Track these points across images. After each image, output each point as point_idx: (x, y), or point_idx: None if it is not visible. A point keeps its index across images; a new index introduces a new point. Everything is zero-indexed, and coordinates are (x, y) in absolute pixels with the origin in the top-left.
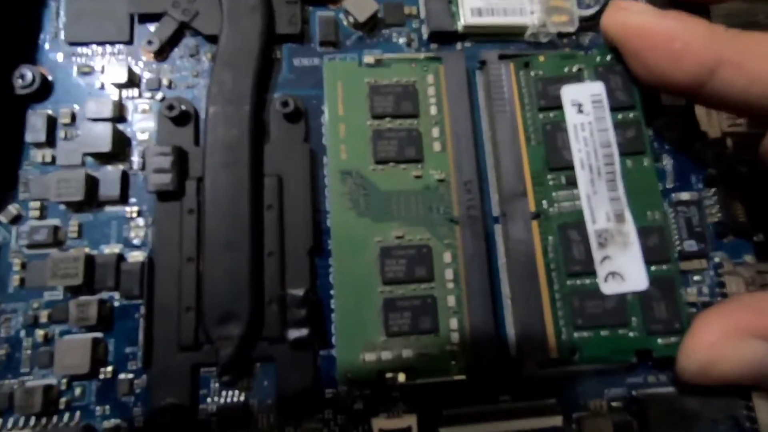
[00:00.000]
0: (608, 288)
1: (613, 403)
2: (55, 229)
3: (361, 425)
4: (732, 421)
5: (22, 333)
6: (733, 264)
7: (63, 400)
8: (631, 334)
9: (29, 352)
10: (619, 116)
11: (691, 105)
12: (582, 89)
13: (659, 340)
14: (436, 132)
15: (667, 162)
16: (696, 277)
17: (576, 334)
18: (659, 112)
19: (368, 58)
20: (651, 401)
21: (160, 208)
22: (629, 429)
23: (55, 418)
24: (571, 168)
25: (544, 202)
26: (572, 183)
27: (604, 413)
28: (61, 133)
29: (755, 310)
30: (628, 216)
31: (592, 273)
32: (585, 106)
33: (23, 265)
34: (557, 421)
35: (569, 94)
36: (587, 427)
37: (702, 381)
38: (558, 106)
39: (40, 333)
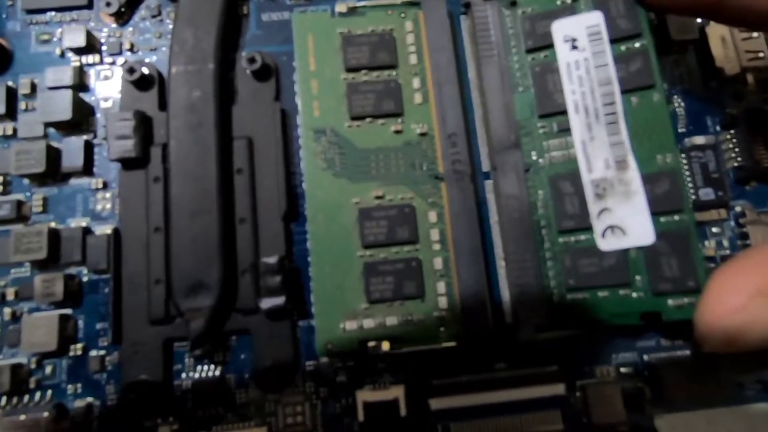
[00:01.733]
0: (607, 244)
1: (622, 369)
2: (19, 204)
3: (345, 398)
4: (760, 384)
5: None
6: (756, 213)
7: (33, 378)
8: (634, 294)
9: None
10: (623, 47)
11: (704, 39)
12: (576, 22)
13: (669, 301)
14: (416, 83)
15: (679, 104)
16: (714, 229)
17: (569, 296)
18: (669, 47)
19: (340, 7)
20: (666, 366)
21: (125, 177)
22: (641, 396)
23: (26, 397)
24: (564, 113)
25: (533, 153)
26: (565, 129)
27: (612, 380)
28: (21, 105)
29: None
30: (631, 162)
31: (588, 228)
32: (580, 40)
33: None
34: (559, 389)
35: (561, 29)
36: (593, 395)
37: (727, 351)
38: (549, 45)
39: (7, 311)
